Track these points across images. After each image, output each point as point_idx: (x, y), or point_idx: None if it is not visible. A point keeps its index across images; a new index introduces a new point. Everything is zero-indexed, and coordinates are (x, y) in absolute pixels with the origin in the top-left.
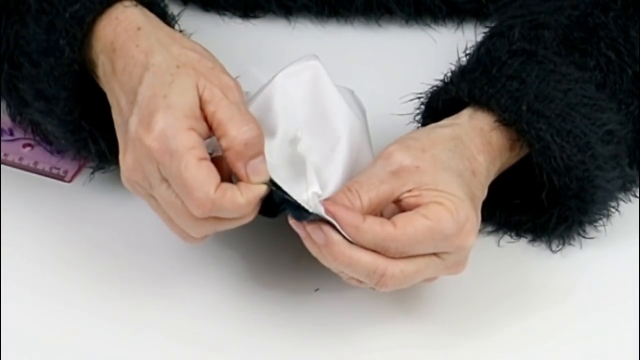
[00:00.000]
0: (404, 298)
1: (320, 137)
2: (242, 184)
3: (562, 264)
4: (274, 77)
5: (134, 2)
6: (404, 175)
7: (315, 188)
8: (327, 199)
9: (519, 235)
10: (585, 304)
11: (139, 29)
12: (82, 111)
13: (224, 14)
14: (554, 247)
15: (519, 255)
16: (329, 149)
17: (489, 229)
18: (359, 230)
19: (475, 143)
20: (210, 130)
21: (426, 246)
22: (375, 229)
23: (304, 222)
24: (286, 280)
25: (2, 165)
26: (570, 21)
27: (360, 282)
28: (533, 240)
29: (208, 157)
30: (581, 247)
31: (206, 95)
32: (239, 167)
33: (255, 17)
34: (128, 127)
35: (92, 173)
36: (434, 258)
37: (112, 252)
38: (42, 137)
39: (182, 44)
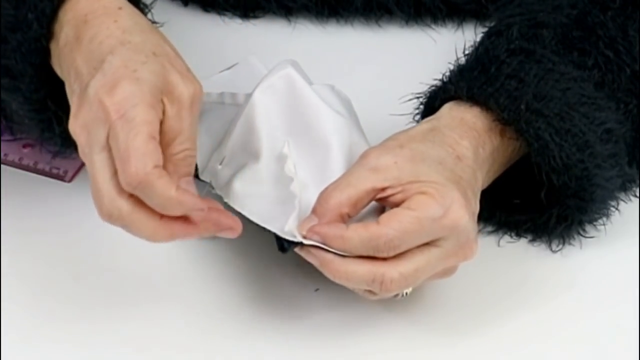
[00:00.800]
0: (404, 298)
1: (306, 150)
2: (182, 187)
3: (562, 264)
4: (251, 93)
5: None
6: (382, 171)
7: (295, 213)
8: (308, 220)
9: (519, 235)
10: (585, 303)
11: (120, 8)
12: (49, 91)
13: (224, 14)
14: (554, 246)
15: (519, 255)
16: (318, 161)
17: (489, 229)
18: (344, 239)
19: (457, 131)
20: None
21: (416, 236)
22: (360, 231)
23: (298, 249)
24: (286, 280)
25: (2, 165)
26: (568, 20)
27: (375, 293)
28: (533, 240)
29: (158, 138)
30: (581, 247)
31: (174, 95)
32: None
33: (255, 17)
34: (87, 89)
35: (53, 157)
36: (431, 249)
37: (112, 251)
38: (6, 117)
39: (162, 37)
